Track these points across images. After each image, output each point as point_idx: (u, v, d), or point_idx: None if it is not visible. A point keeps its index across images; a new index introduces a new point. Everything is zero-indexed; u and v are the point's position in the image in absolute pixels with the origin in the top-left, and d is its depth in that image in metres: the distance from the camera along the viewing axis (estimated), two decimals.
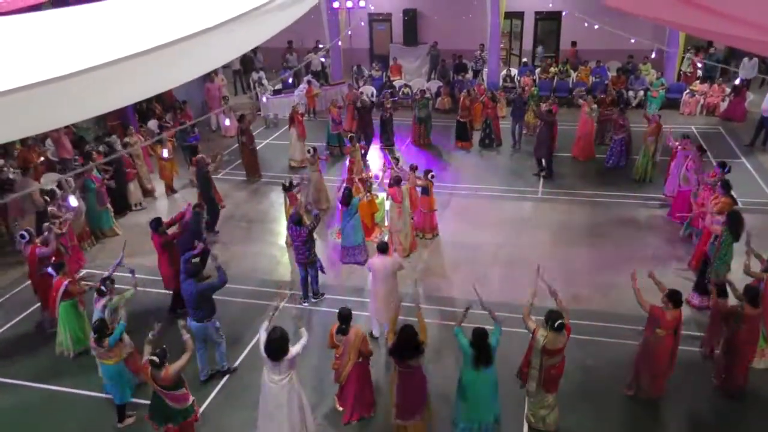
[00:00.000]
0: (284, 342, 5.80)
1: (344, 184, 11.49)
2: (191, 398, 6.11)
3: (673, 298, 6.39)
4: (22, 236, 8.47)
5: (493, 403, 6.01)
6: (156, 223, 8.45)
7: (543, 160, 13.10)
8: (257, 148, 14.09)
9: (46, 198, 9.99)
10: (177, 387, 5.93)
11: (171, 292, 8.76)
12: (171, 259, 8.50)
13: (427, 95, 15.78)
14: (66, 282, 7.56)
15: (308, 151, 11.64)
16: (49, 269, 7.75)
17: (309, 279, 8.82)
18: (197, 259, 8.34)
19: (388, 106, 15.03)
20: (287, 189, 10.11)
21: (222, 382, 7.43)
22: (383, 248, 7.80)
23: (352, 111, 15.62)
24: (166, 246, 8.47)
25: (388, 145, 15.14)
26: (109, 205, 11.22)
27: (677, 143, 11.13)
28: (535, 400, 6.37)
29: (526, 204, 12.05)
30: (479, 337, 5.78)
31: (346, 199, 9.56)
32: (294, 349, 5.88)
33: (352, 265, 9.86)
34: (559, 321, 5.88)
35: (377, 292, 7.80)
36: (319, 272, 8.87)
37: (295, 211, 9.14)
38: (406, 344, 5.87)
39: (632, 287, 6.58)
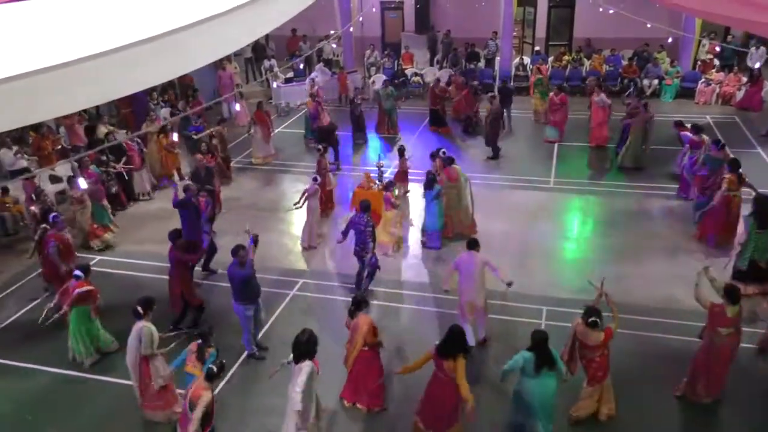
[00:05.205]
0: (311, 345, 5.66)
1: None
2: None
3: (730, 293, 6.15)
4: (55, 218, 8.58)
5: (551, 411, 5.89)
6: (174, 235, 8.01)
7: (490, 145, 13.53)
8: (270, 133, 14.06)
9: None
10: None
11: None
12: (183, 277, 8.09)
13: (390, 88, 15.43)
14: (79, 290, 7.23)
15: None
16: (77, 271, 7.50)
17: (364, 273, 8.67)
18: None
19: (359, 102, 14.98)
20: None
21: (232, 370, 7.45)
22: (473, 244, 7.56)
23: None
24: (180, 263, 8.01)
25: (361, 141, 14.97)
26: (105, 202, 10.82)
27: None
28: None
29: (538, 193, 11.96)
30: (539, 341, 5.74)
31: (430, 183, 9.74)
32: (306, 366, 5.60)
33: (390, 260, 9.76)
34: (592, 318, 5.91)
35: (465, 290, 7.49)
36: (371, 270, 8.63)
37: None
38: (451, 341, 5.68)
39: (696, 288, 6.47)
